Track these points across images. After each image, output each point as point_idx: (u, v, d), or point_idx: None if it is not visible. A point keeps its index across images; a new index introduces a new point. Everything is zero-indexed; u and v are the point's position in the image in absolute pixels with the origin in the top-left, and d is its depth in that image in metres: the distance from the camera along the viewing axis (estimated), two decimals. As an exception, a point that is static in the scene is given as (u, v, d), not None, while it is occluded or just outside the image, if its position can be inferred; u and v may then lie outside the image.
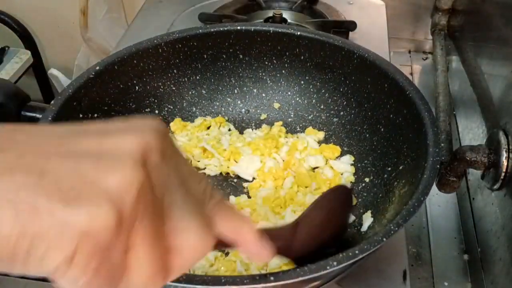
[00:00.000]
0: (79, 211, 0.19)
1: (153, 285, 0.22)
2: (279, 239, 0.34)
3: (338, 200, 0.41)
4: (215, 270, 0.50)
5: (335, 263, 0.37)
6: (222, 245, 0.27)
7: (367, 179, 0.58)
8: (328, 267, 0.37)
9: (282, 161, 0.60)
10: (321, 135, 0.64)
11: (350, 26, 0.84)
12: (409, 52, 1.02)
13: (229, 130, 0.66)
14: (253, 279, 0.36)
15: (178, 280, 0.36)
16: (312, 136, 0.64)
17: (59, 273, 0.19)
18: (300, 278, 0.36)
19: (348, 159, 0.61)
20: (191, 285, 0.36)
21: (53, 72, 1.22)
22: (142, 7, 0.98)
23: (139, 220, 0.20)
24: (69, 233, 0.19)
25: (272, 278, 0.36)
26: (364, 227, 0.52)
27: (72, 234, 0.19)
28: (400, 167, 0.52)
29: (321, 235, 0.39)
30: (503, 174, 0.48)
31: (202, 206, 0.24)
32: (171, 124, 0.64)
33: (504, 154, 0.47)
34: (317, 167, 0.61)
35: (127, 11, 1.19)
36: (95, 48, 1.14)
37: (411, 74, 0.95)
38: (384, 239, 0.39)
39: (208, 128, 0.65)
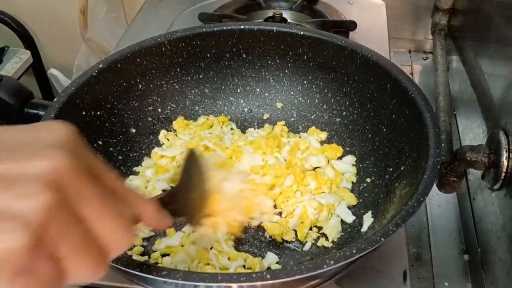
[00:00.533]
0: None
1: (97, 274, 0.26)
2: (173, 202, 0.37)
3: (195, 163, 0.44)
4: (197, 264, 0.50)
5: (332, 262, 0.37)
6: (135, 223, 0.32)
7: (368, 180, 0.58)
8: (325, 266, 0.37)
9: (284, 160, 0.61)
10: (323, 135, 0.64)
11: (350, 26, 0.84)
12: (409, 52, 1.02)
13: (232, 129, 0.66)
14: (250, 276, 0.36)
15: (175, 277, 0.37)
16: (315, 136, 0.64)
17: None
18: (297, 277, 0.36)
19: (350, 159, 0.61)
20: (189, 282, 0.37)
21: (52, 72, 1.22)
22: (142, 7, 0.98)
23: (59, 234, 0.23)
24: None
25: (268, 276, 0.36)
26: (364, 228, 0.52)
27: None
28: (402, 168, 0.52)
29: (199, 193, 0.42)
30: (503, 174, 0.48)
31: (113, 200, 0.27)
32: (174, 122, 0.64)
33: (505, 154, 0.47)
34: (318, 167, 0.61)
35: (127, 11, 1.19)
36: (94, 48, 1.14)
37: (411, 74, 0.95)
38: (382, 239, 0.39)
39: (211, 127, 0.65)
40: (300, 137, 0.64)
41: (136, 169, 0.61)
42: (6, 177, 0.23)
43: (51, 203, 0.23)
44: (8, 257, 0.21)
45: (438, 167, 0.44)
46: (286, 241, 0.53)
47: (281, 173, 0.58)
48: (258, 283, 0.37)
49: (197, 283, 0.37)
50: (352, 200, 0.56)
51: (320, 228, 0.55)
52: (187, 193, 0.40)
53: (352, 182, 0.59)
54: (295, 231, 0.54)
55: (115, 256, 0.27)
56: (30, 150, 0.24)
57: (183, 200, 0.39)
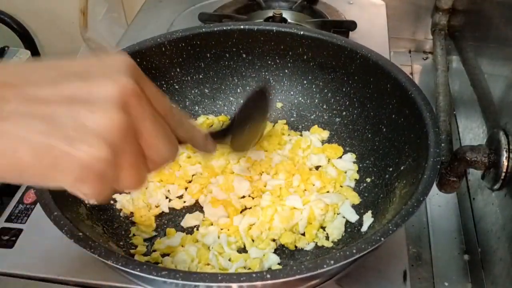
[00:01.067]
0: (80, 148, 0.26)
1: (138, 187, 0.30)
2: (220, 135, 0.43)
3: (260, 99, 0.48)
4: (197, 264, 0.50)
5: (332, 261, 0.37)
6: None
7: (368, 179, 0.58)
8: (325, 266, 0.37)
9: (286, 158, 0.60)
10: (325, 134, 0.64)
11: (350, 26, 0.84)
12: (409, 52, 1.02)
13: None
14: (250, 276, 0.36)
15: (175, 277, 0.37)
16: (316, 135, 0.64)
17: (73, 188, 0.27)
18: (298, 276, 0.36)
19: (350, 157, 0.61)
20: (188, 282, 0.37)
21: (52, 72, 1.22)
22: (142, 7, 0.98)
23: (124, 150, 0.28)
24: (74, 165, 0.26)
25: (268, 276, 0.36)
26: (364, 227, 0.52)
27: (76, 166, 0.26)
28: (402, 168, 0.52)
29: (250, 128, 0.47)
30: (503, 174, 0.48)
31: (165, 123, 0.32)
32: None
33: (505, 154, 0.47)
34: (319, 166, 0.61)
35: (127, 11, 1.19)
36: (94, 48, 1.14)
37: (411, 74, 0.95)
38: (382, 238, 0.39)
39: (211, 126, 0.65)
40: (301, 135, 0.64)
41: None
42: (79, 96, 0.26)
43: (122, 123, 0.27)
44: (90, 164, 0.26)
45: (438, 166, 0.44)
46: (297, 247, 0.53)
47: (291, 170, 0.58)
48: (258, 283, 0.37)
49: (197, 283, 0.37)
50: (356, 199, 0.56)
51: (324, 228, 0.55)
52: (238, 130, 0.44)
53: (355, 179, 0.59)
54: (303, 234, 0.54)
55: (157, 169, 0.32)
56: (98, 74, 0.28)
57: (233, 135, 0.43)
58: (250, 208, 0.56)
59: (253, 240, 0.53)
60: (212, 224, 0.55)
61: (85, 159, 0.26)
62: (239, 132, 0.45)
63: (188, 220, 0.55)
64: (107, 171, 0.27)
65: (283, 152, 0.62)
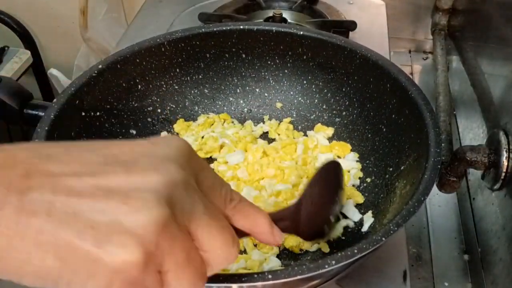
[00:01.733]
0: (110, 251, 0.22)
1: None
2: (286, 219, 0.36)
3: (330, 174, 0.42)
4: None
5: (333, 261, 0.37)
6: (242, 235, 0.31)
7: (368, 179, 0.58)
8: (326, 266, 0.37)
9: (300, 160, 0.60)
10: (330, 131, 0.63)
11: (350, 26, 0.84)
12: (409, 52, 1.02)
13: (233, 123, 0.66)
14: (251, 277, 0.36)
15: None
16: (321, 133, 0.63)
17: None
18: (299, 277, 0.36)
19: (353, 156, 0.61)
20: None
21: (52, 72, 1.22)
22: (142, 7, 0.98)
23: (168, 250, 0.23)
24: (102, 269, 0.22)
25: (270, 276, 0.36)
26: (365, 227, 0.52)
27: (105, 271, 0.22)
28: (402, 167, 0.52)
29: (321, 208, 0.40)
30: (503, 174, 0.48)
31: (221, 213, 0.28)
32: (175, 125, 0.64)
33: (505, 154, 0.47)
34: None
35: (127, 11, 1.19)
36: (95, 48, 1.14)
37: (411, 74, 0.95)
38: (383, 238, 0.38)
39: (211, 125, 0.65)
40: (306, 135, 0.64)
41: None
42: (119, 191, 0.23)
43: (163, 219, 0.23)
44: (121, 270, 0.22)
45: (439, 166, 0.44)
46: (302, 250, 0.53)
47: (303, 173, 0.58)
48: (259, 283, 0.37)
49: None
50: (360, 198, 0.56)
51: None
52: (306, 211, 0.38)
53: (359, 178, 0.59)
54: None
55: (215, 272, 0.27)
56: (144, 164, 0.25)
57: (298, 217, 0.37)
58: None
59: (255, 245, 0.52)
60: None
61: (115, 263, 0.22)
62: (308, 215, 0.38)
63: None
64: (142, 276, 0.23)
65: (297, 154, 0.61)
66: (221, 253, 0.27)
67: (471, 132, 0.66)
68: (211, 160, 0.62)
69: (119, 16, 1.18)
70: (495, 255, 0.52)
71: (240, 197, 0.30)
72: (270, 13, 0.88)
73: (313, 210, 0.38)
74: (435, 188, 0.52)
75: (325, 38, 0.61)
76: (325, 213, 0.40)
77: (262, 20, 0.88)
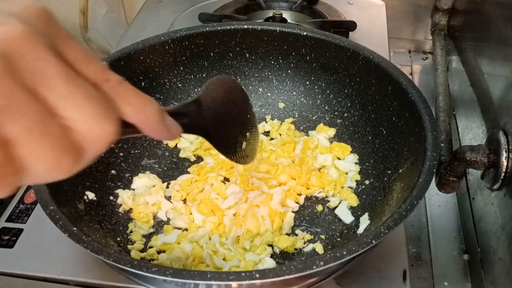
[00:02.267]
0: None
1: (60, 173, 0.22)
2: (185, 115, 0.32)
3: (236, 93, 0.40)
4: (192, 262, 0.50)
5: (321, 263, 0.37)
6: (127, 131, 0.26)
7: (367, 182, 0.58)
8: (314, 267, 0.37)
9: (297, 159, 0.61)
10: (332, 132, 0.64)
11: (350, 26, 0.84)
12: (409, 52, 1.02)
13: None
14: (239, 275, 0.36)
15: (165, 274, 0.37)
16: (323, 133, 0.64)
17: None
18: (286, 277, 0.36)
19: (353, 158, 0.61)
20: (178, 279, 0.37)
21: (53, 72, 1.22)
22: (142, 7, 0.98)
23: (6, 109, 0.20)
24: None
25: (257, 275, 0.36)
26: (361, 229, 0.52)
27: None
28: (400, 170, 0.52)
29: (229, 112, 0.38)
30: (503, 174, 0.48)
31: (94, 90, 0.23)
32: None
33: (504, 154, 0.47)
34: (324, 166, 0.61)
35: (127, 11, 1.19)
36: (95, 48, 1.14)
37: (411, 74, 0.95)
38: (374, 241, 0.38)
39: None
40: (307, 135, 0.64)
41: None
42: None
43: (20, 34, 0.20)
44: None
45: (434, 170, 0.44)
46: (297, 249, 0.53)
47: (295, 172, 0.58)
48: (245, 282, 0.37)
49: (186, 281, 0.37)
50: (354, 201, 0.56)
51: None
52: (212, 111, 0.34)
53: (356, 181, 0.59)
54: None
55: (92, 155, 0.23)
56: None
57: (201, 115, 0.33)
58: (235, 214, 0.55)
59: (245, 249, 0.52)
60: (200, 227, 0.54)
61: None
62: (215, 121, 0.35)
63: (176, 221, 0.55)
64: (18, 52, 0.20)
65: (295, 153, 0.61)
66: (90, 127, 0.22)
67: (471, 132, 0.66)
68: (210, 156, 0.62)
69: (119, 16, 1.18)
70: (495, 255, 0.52)
71: (121, 80, 0.25)
72: (270, 13, 0.88)
73: (221, 111, 0.36)
74: (435, 188, 0.52)
75: (329, 39, 0.61)
76: (235, 126, 0.38)
77: (262, 20, 0.88)
